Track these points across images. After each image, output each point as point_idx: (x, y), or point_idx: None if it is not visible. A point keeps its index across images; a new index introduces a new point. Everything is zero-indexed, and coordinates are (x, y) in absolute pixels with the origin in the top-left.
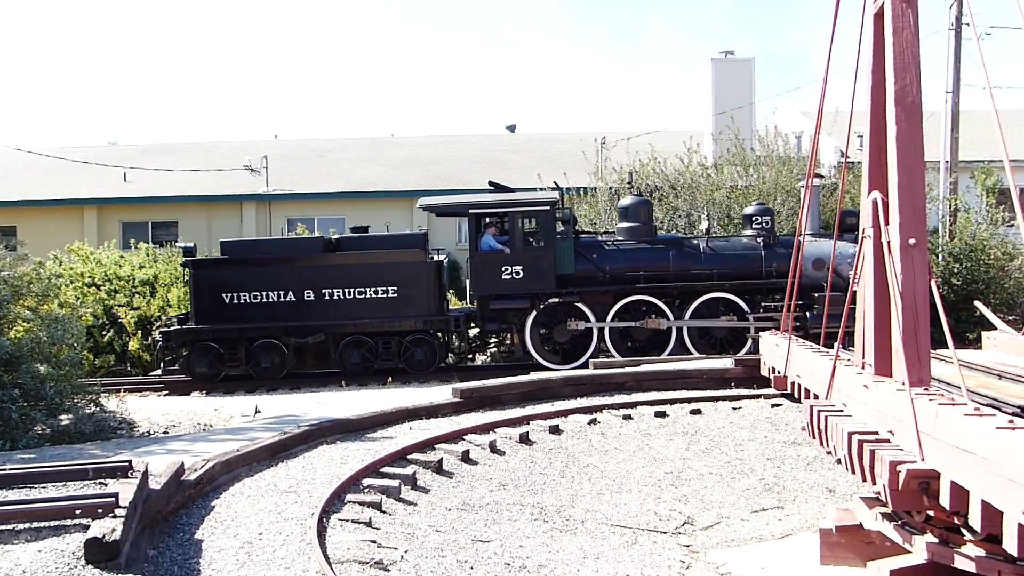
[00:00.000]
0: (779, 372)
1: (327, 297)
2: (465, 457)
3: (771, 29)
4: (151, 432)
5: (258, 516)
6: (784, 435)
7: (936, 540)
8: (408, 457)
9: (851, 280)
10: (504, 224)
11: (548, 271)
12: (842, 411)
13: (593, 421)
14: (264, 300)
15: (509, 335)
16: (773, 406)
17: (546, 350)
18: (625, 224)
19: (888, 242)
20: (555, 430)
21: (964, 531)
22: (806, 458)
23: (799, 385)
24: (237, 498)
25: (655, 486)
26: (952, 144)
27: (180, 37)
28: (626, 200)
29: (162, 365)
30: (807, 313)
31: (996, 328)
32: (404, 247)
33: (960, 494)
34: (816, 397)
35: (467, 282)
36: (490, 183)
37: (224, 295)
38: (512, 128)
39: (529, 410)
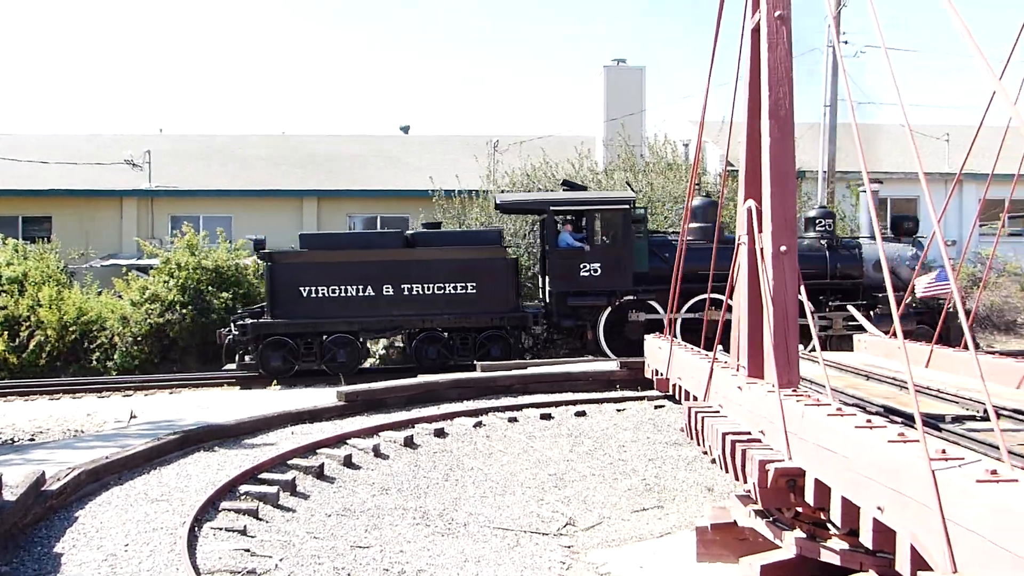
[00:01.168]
0: (662, 374)
1: (406, 292)
2: (348, 461)
3: (663, 38)
4: (15, 440)
5: (125, 527)
6: (666, 436)
7: (804, 535)
8: (289, 462)
9: (728, 285)
10: (581, 222)
11: (626, 269)
12: (718, 412)
13: (479, 424)
14: (343, 294)
15: (583, 332)
16: (656, 408)
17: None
18: (695, 224)
19: (761, 249)
20: (440, 433)
21: (829, 526)
22: (686, 458)
23: (680, 387)
24: (104, 508)
25: (539, 488)
26: (829, 155)
27: (57, 25)
28: (696, 201)
29: (237, 359)
30: (872, 312)
31: (866, 331)
32: (483, 243)
33: (823, 491)
34: (695, 399)
35: (542, 279)
36: (564, 182)
37: (302, 289)
38: (406, 129)
39: (415, 413)
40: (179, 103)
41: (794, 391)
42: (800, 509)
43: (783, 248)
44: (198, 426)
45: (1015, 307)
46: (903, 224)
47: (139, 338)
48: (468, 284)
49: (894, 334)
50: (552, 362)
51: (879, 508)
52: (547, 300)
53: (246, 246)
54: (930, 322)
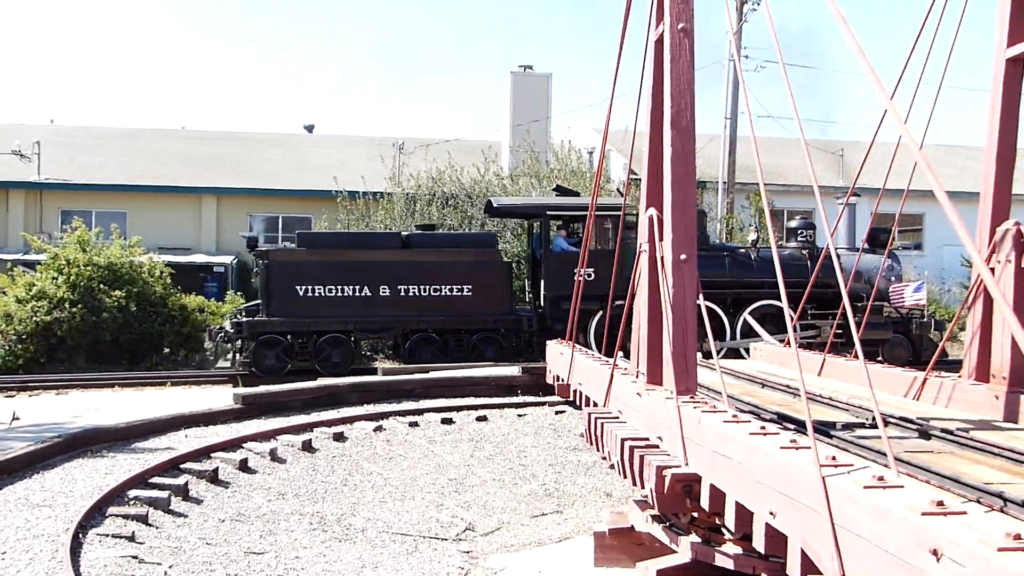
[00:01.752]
0: (563, 380)
1: (402, 293)
2: (243, 466)
3: (570, 45)
4: None
5: (3, 534)
6: (566, 441)
7: (699, 540)
8: (181, 466)
9: (628, 292)
10: (572, 227)
11: (621, 274)
12: (618, 418)
13: (379, 428)
14: (340, 294)
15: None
16: (557, 413)
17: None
18: None
19: (662, 257)
20: (339, 437)
21: (724, 531)
22: (586, 463)
23: (581, 393)
24: None
25: (438, 493)
26: (729, 167)
27: None
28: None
29: (233, 357)
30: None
31: (762, 339)
32: (479, 246)
33: (718, 496)
34: (595, 404)
35: (535, 283)
36: (557, 187)
37: (299, 287)
38: (310, 128)
39: (314, 417)
40: (71, 94)
41: (692, 398)
42: (696, 514)
43: (683, 256)
44: (85, 428)
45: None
46: (880, 236)
47: (24, 336)
48: (464, 286)
49: (789, 342)
50: (455, 367)
51: (771, 513)
52: (540, 303)
53: (141, 243)
54: (905, 332)
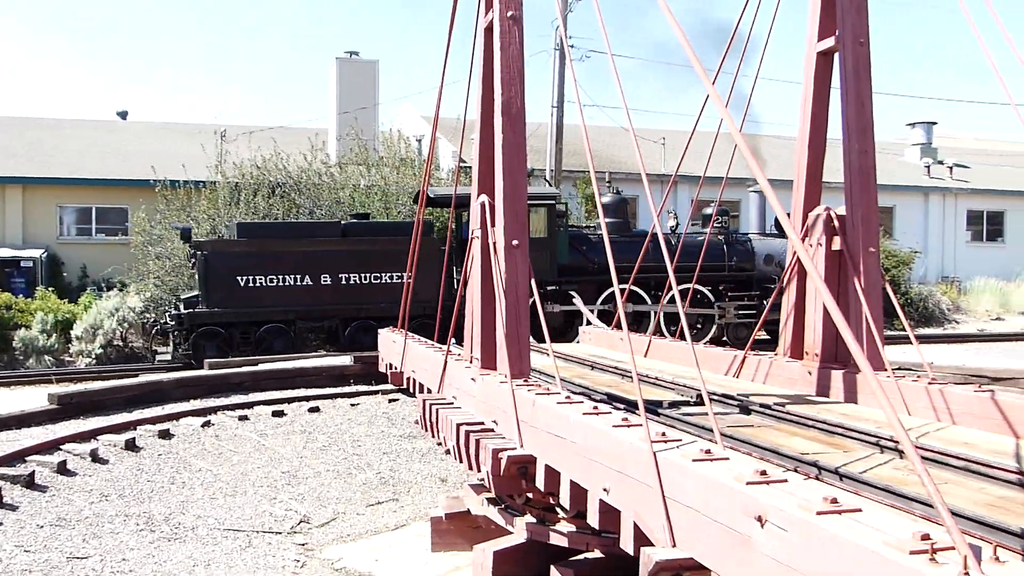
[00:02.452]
0: (396, 368)
1: (343, 282)
2: (62, 468)
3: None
4: None
5: None
6: (400, 429)
7: (535, 520)
8: None
9: (462, 278)
10: None
11: (552, 261)
12: (452, 404)
13: (207, 423)
14: (280, 284)
15: None
16: (390, 401)
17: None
18: (607, 220)
19: (494, 243)
20: (165, 434)
21: (558, 510)
22: (420, 450)
23: (414, 380)
24: None
25: (271, 487)
26: (557, 155)
27: None
28: (607, 198)
29: (172, 349)
30: (763, 302)
31: (591, 323)
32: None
33: (553, 476)
34: (429, 391)
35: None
36: None
37: (239, 278)
38: (123, 115)
39: (137, 415)
40: None
41: (526, 381)
42: (531, 495)
43: (515, 242)
44: None
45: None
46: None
47: None
48: (403, 274)
49: (617, 325)
50: (284, 358)
51: (605, 490)
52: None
53: None
54: None
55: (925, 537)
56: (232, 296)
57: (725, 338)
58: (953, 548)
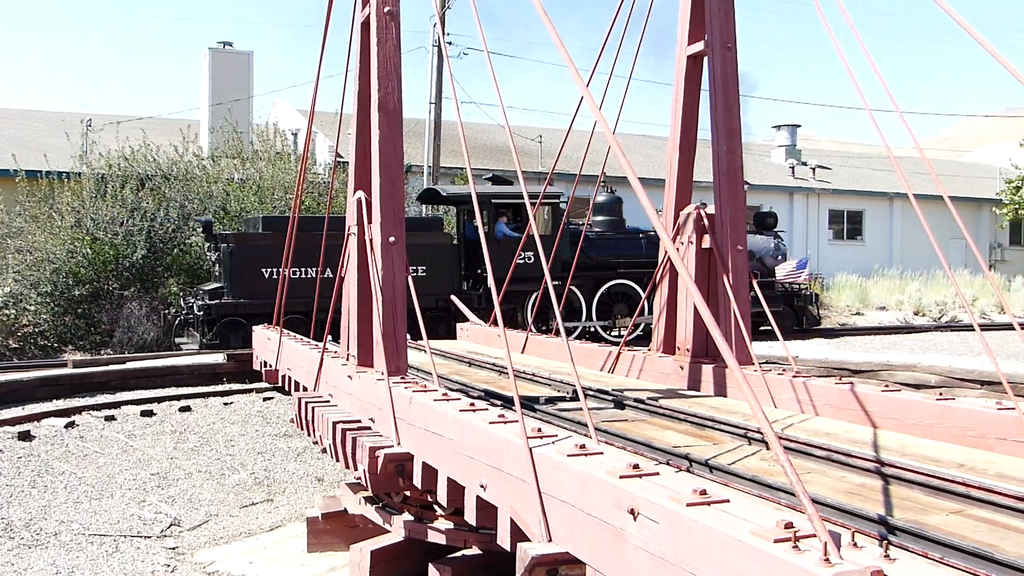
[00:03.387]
0: (271, 366)
1: None
2: None
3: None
4: None
5: None
6: (275, 428)
7: (413, 518)
8: None
9: (338, 275)
10: (513, 213)
11: (556, 258)
12: (329, 402)
13: (71, 424)
14: (303, 276)
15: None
16: (265, 400)
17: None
18: (601, 217)
19: (371, 240)
20: (25, 436)
21: (436, 507)
22: (296, 449)
23: (290, 378)
24: None
25: (140, 489)
26: (435, 151)
27: None
28: (602, 197)
29: (200, 338)
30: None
31: (468, 320)
32: (430, 229)
33: (430, 473)
34: (306, 389)
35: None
36: (494, 176)
37: (263, 270)
38: None
39: None
40: None
41: (403, 379)
42: (409, 493)
43: (392, 239)
44: None
45: None
46: (766, 219)
47: None
48: (418, 267)
49: (494, 321)
50: (155, 356)
51: (482, 486)
52: (486, 285)
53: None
54: (791, 304)
55: (788, 526)
56: (256, 287)
57: None
58: (814, 535)
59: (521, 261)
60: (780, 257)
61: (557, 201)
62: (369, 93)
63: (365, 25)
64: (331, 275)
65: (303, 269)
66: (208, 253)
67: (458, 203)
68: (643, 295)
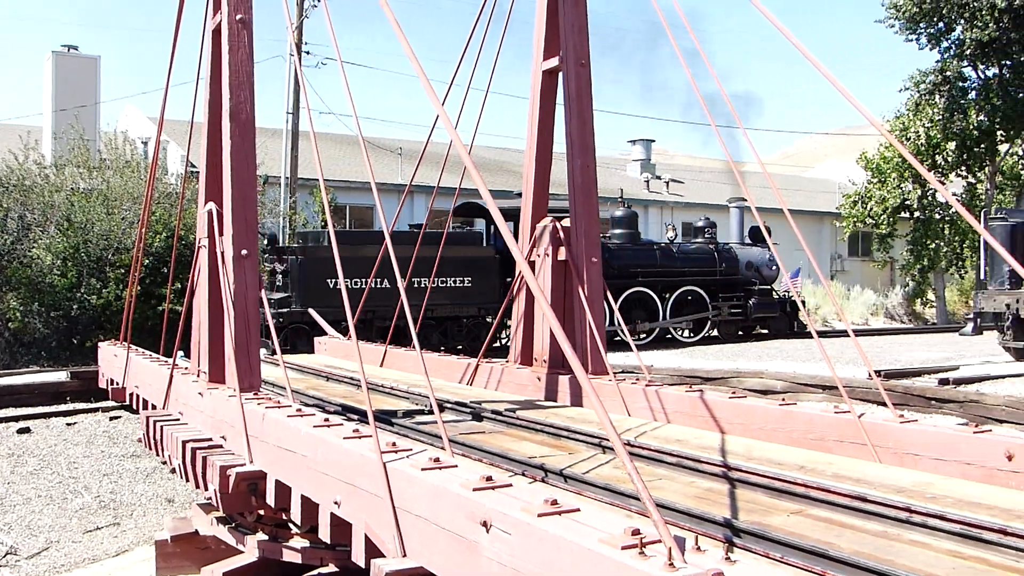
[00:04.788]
0: (118, 383)
1: (415, 284)
2: None
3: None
4: None
5: None
6: (123, 448)
7: (267, 537)
8: None
9: (188, 288)
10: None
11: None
12: (179, 420)
13: None
14: (363, 286)
15: None
16: (112, 419)
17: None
18: (620, 230)
19: (222, 252)
20: None
21: (291, 526)
22: (145, 470)
23: (138, 396)
24: None
25: None
26: (292, 161)
27: None
28: (619, 212)
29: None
30: (750, 302)
31: (327, 333)
32: (474, 243)
33: (284, 491)
34: (154, 407)
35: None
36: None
37: (328, 280)
38: None
39: None
40: None
41: (256, 395)
42: (263, 512)
43: (244, 252)
44: None
45: None
46: (760, 234)
47: None
48: (464, 278)
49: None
50: None
51: (336, 503)
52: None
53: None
54: (783, 309)
55: (635, 532)
56: (323, 296)
57: (716, 333)
58: (660, 541)
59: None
60: (775, 268)
61: None
62: (221, 102)
63: (216, 32)
64: (388, 285)
65: (364, 280)
66: (267, 264)
67: (490, 216)
68: (657, 300)
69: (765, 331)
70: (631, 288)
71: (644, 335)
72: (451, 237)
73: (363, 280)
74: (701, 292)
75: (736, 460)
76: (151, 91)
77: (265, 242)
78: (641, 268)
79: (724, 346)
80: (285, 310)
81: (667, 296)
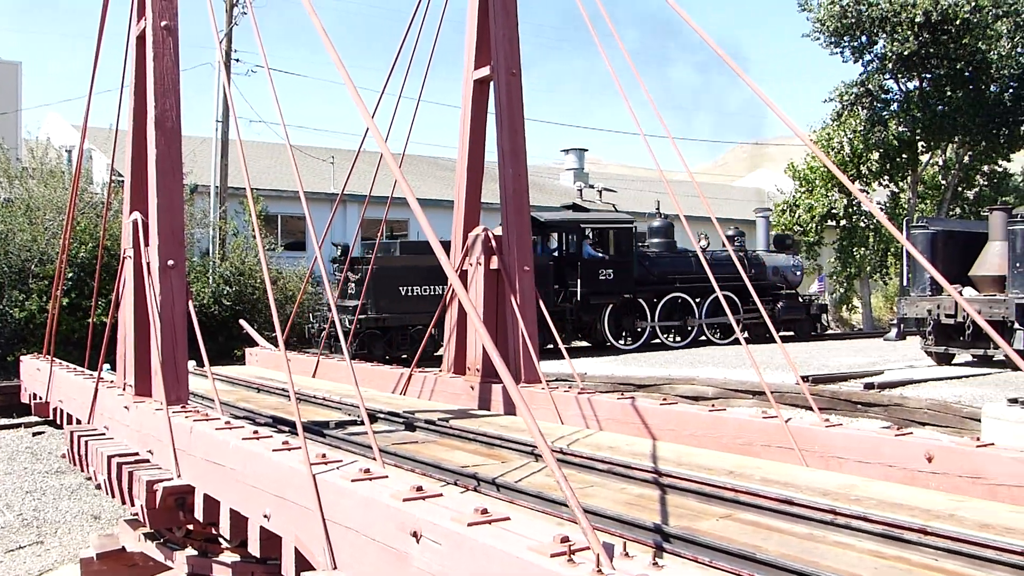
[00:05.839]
0: (41, 398)
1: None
2: None
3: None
4: None
5: None
6: (46, 465)
7: (196, 552)
8: None
9: (113, 299)
10: (595, 236)
11: (630, 274)
12: (105, 434)
13: None
14: (431, 293)
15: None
16: (35, 435)
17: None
18: (658, 239)
19: (148, 263)
20: None
21: (221, 540)
22: (70, 487)
23: (62, 411)
24: None
25: None
26: (222, 170)
27: None
28: (656, 222)
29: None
30: (778, 305)
31: (258, 344)
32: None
33: (212, 505)
34: (79, 422)
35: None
36: (573, 205)
37: (400, 288)
38: None
39: None
40: None
41: (183, 408)
42: (192, 527)
43: (171, 262)
44: None
45: None
46: (785, 241)
47: None
48: (435, 287)
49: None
50: None
51: (266, 516)
52: (575, 299)
53: None
54: (807, 312)
55: (564, 540)
56: (394, 303)
57: (747, 335)
58: (589, 548)
59: (603, 278)
60: (800, 273)
61: (631, 226)
62: (146, 109)
63: (141, 39)
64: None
65: (431, 287)
66: (337, 274)
67: (548, 228)
68: (693, 303)
69: (791, 332)
70: (669, 294)
71: (679, 337)
72: (415, 246)
73: (436, 288)
74: (733, 297)
75: (667, 466)
76: (74, 98)
77: (339, 252)
78: (678, 275)
79: (656, 353)
80: (362, 316)
81: (700, 301)
